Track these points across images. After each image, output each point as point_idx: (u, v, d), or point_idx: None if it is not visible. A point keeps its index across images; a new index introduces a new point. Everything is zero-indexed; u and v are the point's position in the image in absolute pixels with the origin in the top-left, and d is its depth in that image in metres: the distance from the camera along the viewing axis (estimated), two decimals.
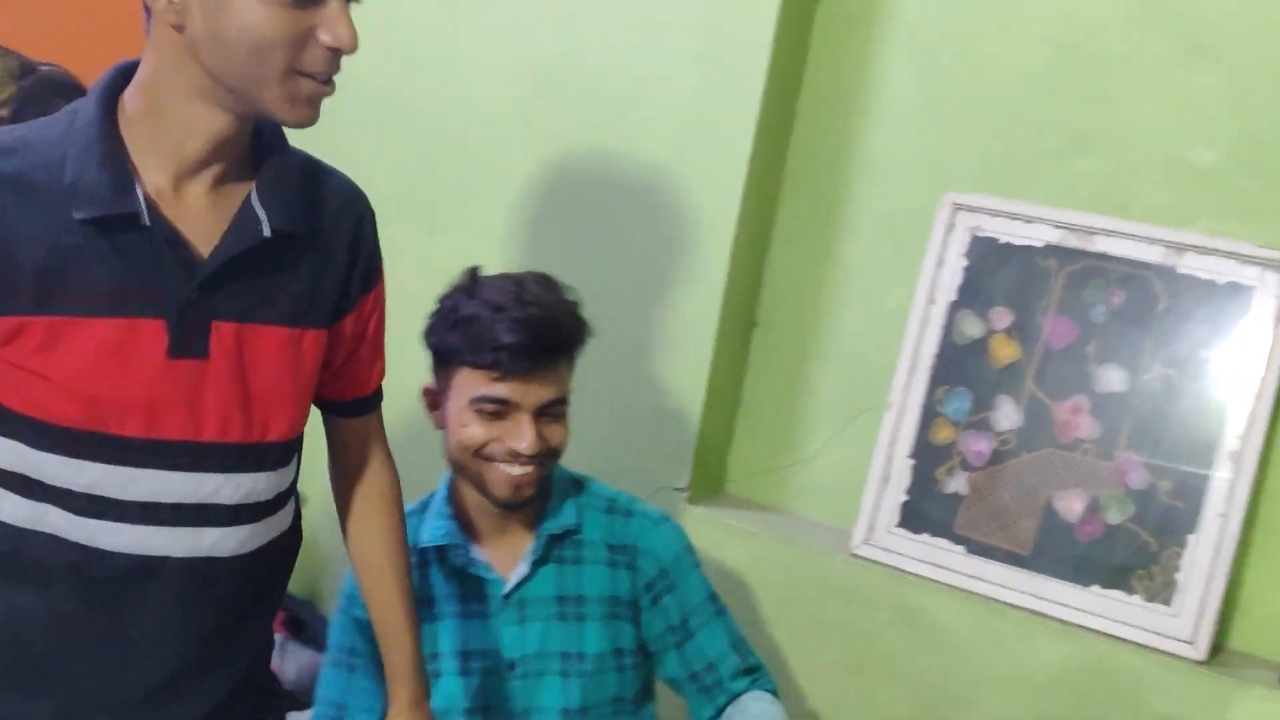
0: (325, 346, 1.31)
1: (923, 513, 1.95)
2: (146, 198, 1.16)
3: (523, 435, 1.50)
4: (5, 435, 1.19)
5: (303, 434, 1.33)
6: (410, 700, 1.43)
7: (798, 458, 2.16)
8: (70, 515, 1.20)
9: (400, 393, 2.48)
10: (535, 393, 1.51)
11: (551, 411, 1.54)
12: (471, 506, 1.61)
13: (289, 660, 2.37)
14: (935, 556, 1.93)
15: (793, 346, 2.16)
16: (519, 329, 1.48)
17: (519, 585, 1.60)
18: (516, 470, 1.52)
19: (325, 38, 1.13)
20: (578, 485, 1.68)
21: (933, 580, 1.92)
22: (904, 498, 1.97)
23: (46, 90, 2.24)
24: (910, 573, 1.94)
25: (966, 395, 1.93)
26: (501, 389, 1.50)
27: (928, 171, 2.01)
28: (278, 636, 2.40)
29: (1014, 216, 1.92)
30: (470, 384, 1.52)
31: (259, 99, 1.15)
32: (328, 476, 2.14)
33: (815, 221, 2.12)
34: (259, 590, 1.34)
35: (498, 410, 1.51)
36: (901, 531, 1.97)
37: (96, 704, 1.25)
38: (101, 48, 1.68)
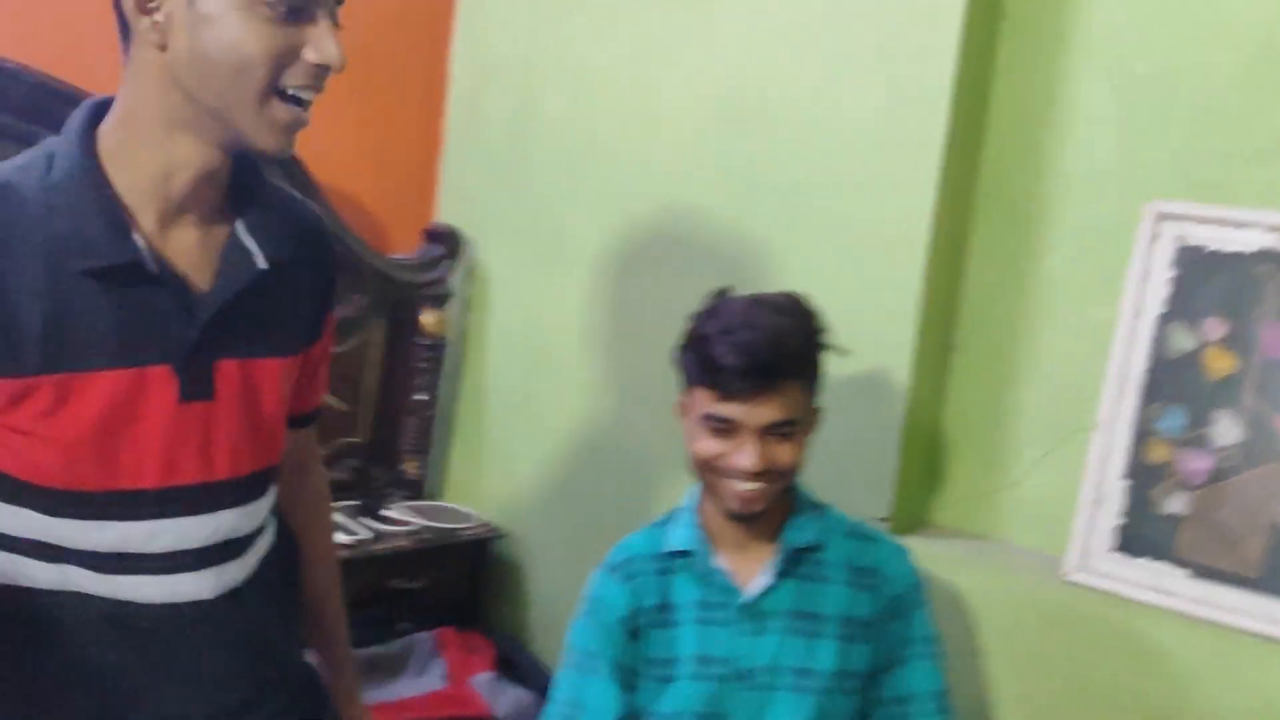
0: (300, 368, 1.34)
1: (1140, 536, 1.87)
2: (144, 242, 1.14)
3: (746, 453, 1.55)
4: (18, 505, 1.16)
5: None
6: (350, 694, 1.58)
7: (1004, 483, 2.10)
8: (96, 574, 1.18)
9: (576, 420, 2.54)
10: (759, 413, 1.54)
11: (779, 431, 1.56)
12: (715, 516, 1.66)
13: (501, 699, 2.41)
14: (1156, 581, 1.84)
15: (993, 369, 2.10)
16: (738, 352, 1.52)
17: (759, 596, 1.64)
18: (744, 486, 1.56)
19: (311, 55, 1.11)
20: (819, 508, 1.72)
21: (1155, 606, 1.83)
22: (1119, 521, 1.89)
23: None
24: (1130, 599, 1.85)
25: (1181, 411, 1.85)
26: (725, 408, 1.55)
27: (1127, 181, 1.94)
28: (487, 676, 2.46)
29: (1223, 223, 1.83)
30: (702, 401, 1.58)
31: (237, 123, 1.12)
32: (527, 511, 2.16)
33: (1011, 239, 2.07)
34: (282, 596, 1.38)
35: (724, 428, 1.56)
36: (1118, 556, 1.88)
37: None
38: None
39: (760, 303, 1.59)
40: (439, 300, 2.73)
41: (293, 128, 1.14)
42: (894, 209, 2.04)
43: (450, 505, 2.78)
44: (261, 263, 1.21)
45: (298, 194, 1.37)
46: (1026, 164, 2.04)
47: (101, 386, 1.13)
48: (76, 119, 1.17)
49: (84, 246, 1.10)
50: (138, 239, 1.13)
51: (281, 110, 1.12)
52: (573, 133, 2.58)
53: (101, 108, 1.18)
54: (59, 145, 1.15)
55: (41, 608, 1.18)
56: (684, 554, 1.67)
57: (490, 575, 2.75)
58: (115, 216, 1.12)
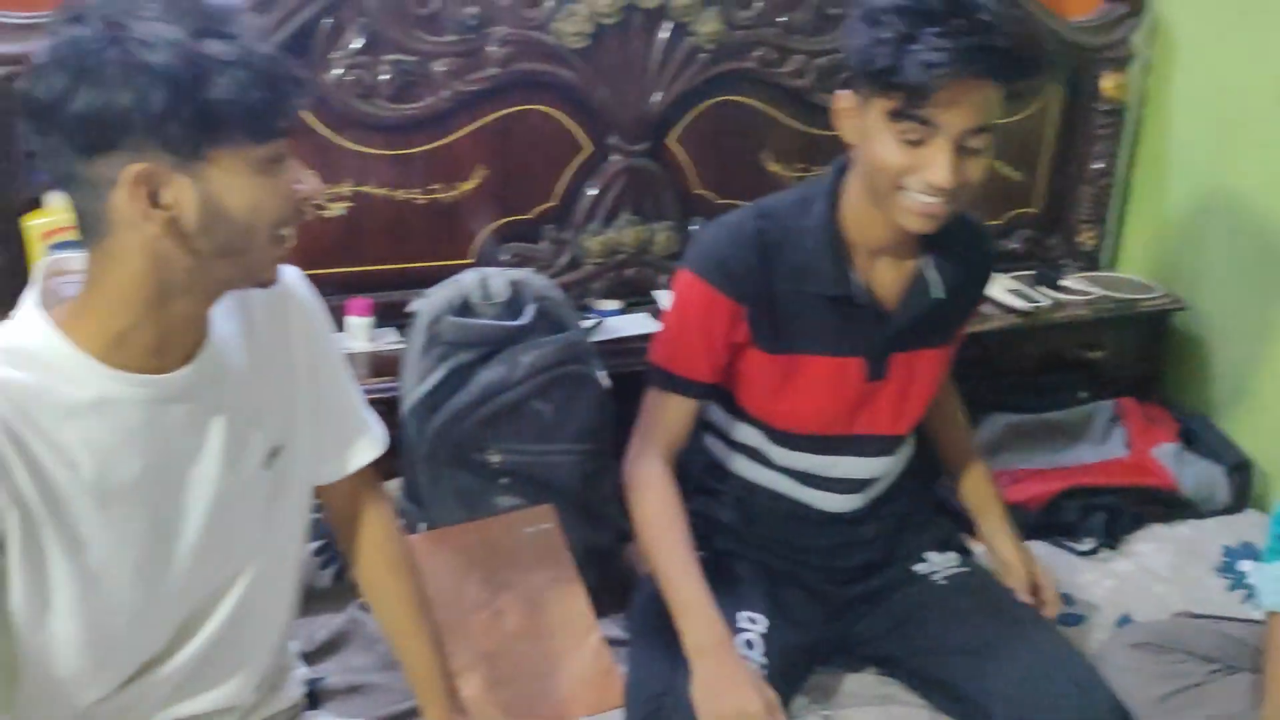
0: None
1: None
2: (857, 279, 1.57)
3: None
4: (749, 424, 1.71)
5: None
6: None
7: None
8: (792, 482, 1.73)
9: None
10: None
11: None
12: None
13: (1186, 471, 2.35)
14: None
15: None
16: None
17: None
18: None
19: None
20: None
21: None
22: None
23: None
24: None
25: None
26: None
27: None
28: (1171, 447, 2.40)
29: None
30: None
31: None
32: (1212, 285, 2.05)
33: None
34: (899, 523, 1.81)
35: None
36: None
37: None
38: None
39: None
40: (1119, 63, 2.61)
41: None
42: None
43: (1128, 276, 2.70)
44: (938, 292, 1.61)
45: (975, 219, 1.72)
46: None
47: (817, 366, 1.63)
48: (829, 179, 1.60)
49: (816, 277, 1.58)
50: (854, 278, 1.58)
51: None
52: None
53: (845, 167, 1.59)
54: (816, 195, 1.59)
55: (745, 491, 1.77)
56: None
57: (1170, 348, 2.67)
58: (842, 260, 1.58)
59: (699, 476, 1.79)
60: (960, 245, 1.63)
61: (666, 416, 1.65)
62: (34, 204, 1.90)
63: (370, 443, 1.45)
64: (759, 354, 1.63)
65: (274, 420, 1.30)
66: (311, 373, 1.36)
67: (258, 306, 1.29)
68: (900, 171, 1.44)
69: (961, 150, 1.42)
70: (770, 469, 1.74)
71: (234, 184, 1.08)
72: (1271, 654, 1.51)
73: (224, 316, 1.24)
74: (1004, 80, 1.41)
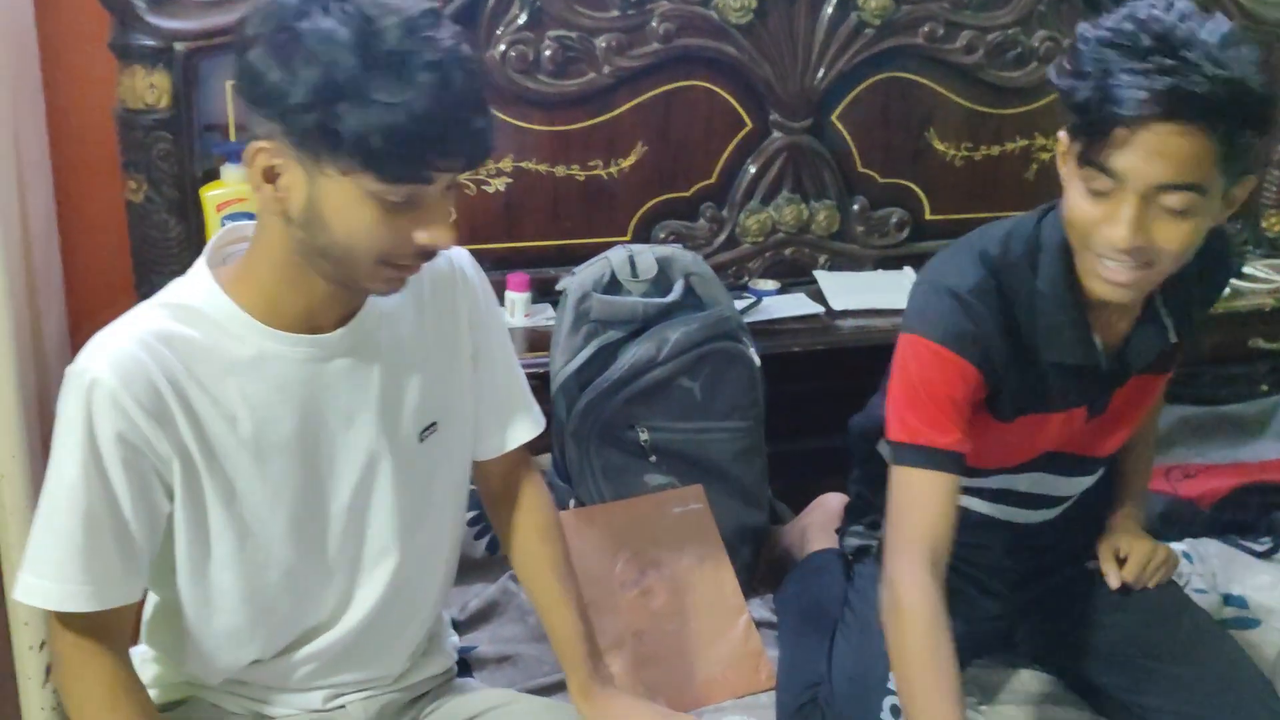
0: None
1: None
2: (1099, 345, 1.43)
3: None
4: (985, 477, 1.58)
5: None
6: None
7: None
8: (981, 501, 1.62)
9: None
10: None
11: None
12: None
13: None
14: None
15: None
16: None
17: None
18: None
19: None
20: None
21: None
22: None
23: None
24: None
25: None
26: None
27: None
28: None
29: None
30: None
31: None
32: None
33: None
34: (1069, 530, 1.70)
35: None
36: None
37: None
38: None
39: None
40: None
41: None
42: None
43: None
44: (1172, 336, 1.46)
45: (1219, 234, 1.51)
46: None
47: (1049, 420, 1.50)
48: (1058, 231, 1.38)
49: (1057, 347, 1.42)
50: (1099, 346, 1.43)
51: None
52: None
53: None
54: (1044, 250, 1.41)
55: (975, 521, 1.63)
56: None
57: None
58: (1084, 330, 1.42)
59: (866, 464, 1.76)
60: (1198, 272, 1.44)
61: (934, 501, 1.40)
62: (211, 176, 1.97)
63: (530, 422, 1.47)
64: (988, 420, 1.47)
65: (433, 395, 1.31)
66: (476, 353, 1.38)
67: (428, 283, 1.30)
68: (1084, 226, 1.30)
69: (1154, 209, 1.25)
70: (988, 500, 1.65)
71: (342, 203, 1.07)
72: None
73: None
74: (1203, 127, 1.20)
